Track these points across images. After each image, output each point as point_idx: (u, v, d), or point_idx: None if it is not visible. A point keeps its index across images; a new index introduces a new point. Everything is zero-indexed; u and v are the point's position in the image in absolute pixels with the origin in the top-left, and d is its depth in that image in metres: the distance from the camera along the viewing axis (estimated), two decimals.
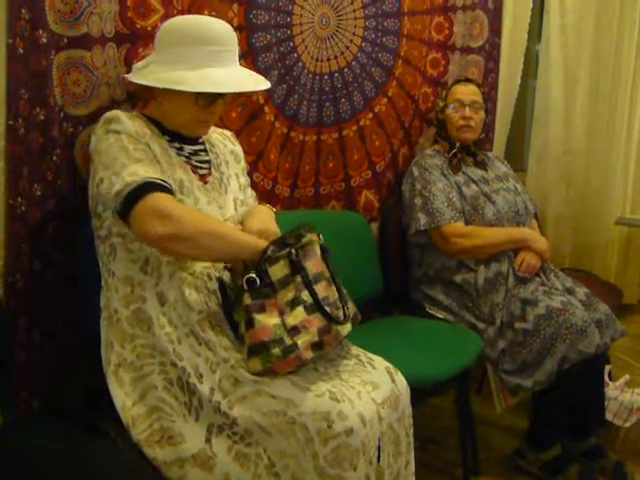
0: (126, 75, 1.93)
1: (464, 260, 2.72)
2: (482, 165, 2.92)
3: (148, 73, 1.80)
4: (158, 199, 1.62)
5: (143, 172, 1.65)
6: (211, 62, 1.76)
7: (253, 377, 1.63)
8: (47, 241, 1.94)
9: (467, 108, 2.84)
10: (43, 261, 1.93)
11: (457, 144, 2.87)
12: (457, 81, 2.99)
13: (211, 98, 1.80)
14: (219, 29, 1.80)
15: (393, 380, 1.79)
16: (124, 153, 1.69)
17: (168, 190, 1.67)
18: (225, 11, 2.28)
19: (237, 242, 1.72)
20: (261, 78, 1.92)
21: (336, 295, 1.79)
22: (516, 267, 2.70)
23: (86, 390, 1.87)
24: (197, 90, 1.74)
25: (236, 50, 1.84)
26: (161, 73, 1.77)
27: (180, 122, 1.85)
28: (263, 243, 1.71)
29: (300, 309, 1.67)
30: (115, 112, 1.77)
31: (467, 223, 2.72)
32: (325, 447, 1.56)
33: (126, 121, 1.74)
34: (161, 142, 1.81)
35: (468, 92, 2.89)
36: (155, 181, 1.65)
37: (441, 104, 2.94)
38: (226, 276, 1.79)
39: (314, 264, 1.74)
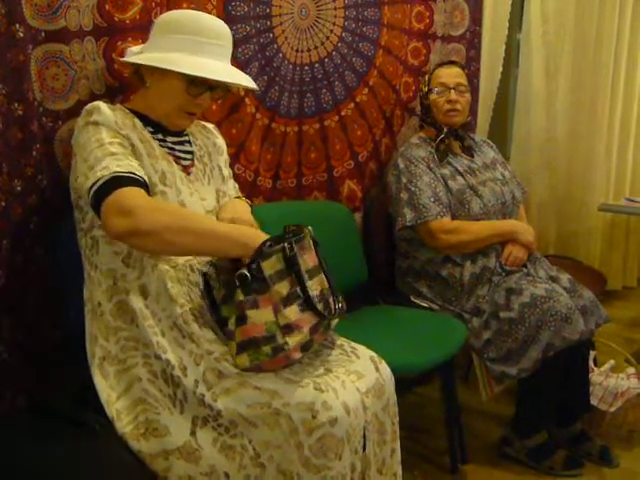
0: (120, 58, 1.91)
1: (450, 255, 2.71)
2: (469, 151, 2.87)
3: (142, 55, 1.81)
4: (123, 194, 1.59)
5: (114, 166, 1.63)
6: (206, 53, 1.77)
7: (237, 369, 1.63)
8: (29, 237, 1.92)
9: (452, 91, 2.77)
10: (25, 257, 1.92)
11: (444, 129, 2.79)
12: (440, 64, 2.91)
13: (202, 89, 1.80)
14: (216, 25, 1.82)
15: (377, 369, 1.79)
16: (100, 146, 1.66)
17: (139, 183, 1.64)
18: (204, 3, 2.27)
19: (226, 239, 1.69)
20: (250, 79, 1.91)
21: (328, 288, 1.78)
22: (503, 260, 2.68)
23: (71, 385, 1.87)
24: (192, 73, 1.73)
25: (230, 48, 1.84)
26: (155, 54, 1.78)
27: (165, 110, 1.84)
28: (263, 236, 1.69)
29: (294, 307, 1.65)
30: (96, 103, 1.75)
31: (453, 217, 2.69)
32: (310, 437, 1.56)
33: (107, 111, 1.72)
34: (144, 134, 1.79)
35: (452, 75, 2.81)
36: (124, 175, 1.62)
37: (425, 89, 2.86)
38: (209, 270, 1.78)
39: (310, 258, 1.74)
